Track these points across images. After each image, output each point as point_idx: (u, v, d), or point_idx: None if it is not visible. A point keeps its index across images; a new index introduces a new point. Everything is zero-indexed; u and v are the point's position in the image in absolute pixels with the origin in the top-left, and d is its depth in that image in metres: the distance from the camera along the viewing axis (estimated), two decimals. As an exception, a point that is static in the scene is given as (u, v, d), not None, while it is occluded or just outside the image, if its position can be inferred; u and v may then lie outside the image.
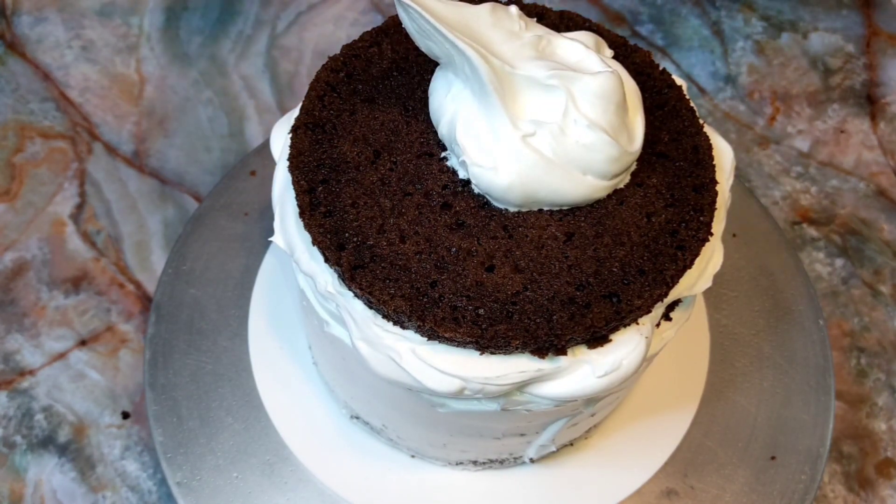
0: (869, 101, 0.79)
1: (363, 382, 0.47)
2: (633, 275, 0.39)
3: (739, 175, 0.73)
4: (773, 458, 0.54)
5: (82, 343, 0.63)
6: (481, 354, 0.39)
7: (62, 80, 0.76)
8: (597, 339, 0.40)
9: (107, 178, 0.71)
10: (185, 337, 0.58)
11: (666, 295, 0.40)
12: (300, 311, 0.55)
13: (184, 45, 0.79)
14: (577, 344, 0.40)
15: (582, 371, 0.40)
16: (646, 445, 0.54)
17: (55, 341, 0.63)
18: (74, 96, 0.75)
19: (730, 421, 0.55)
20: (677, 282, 0.41)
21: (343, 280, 0.40)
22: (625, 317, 0.39)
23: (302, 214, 0.41)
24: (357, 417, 0.53)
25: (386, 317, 0.40)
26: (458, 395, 0.39)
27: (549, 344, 0.38)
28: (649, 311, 0.41)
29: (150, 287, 0.65)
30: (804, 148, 0.76)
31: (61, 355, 0.62)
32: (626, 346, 0.40)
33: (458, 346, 0.39)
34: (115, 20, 0.79)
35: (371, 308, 0.40)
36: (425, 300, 0.38)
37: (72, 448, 0.59)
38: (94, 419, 0.60)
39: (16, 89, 0.75)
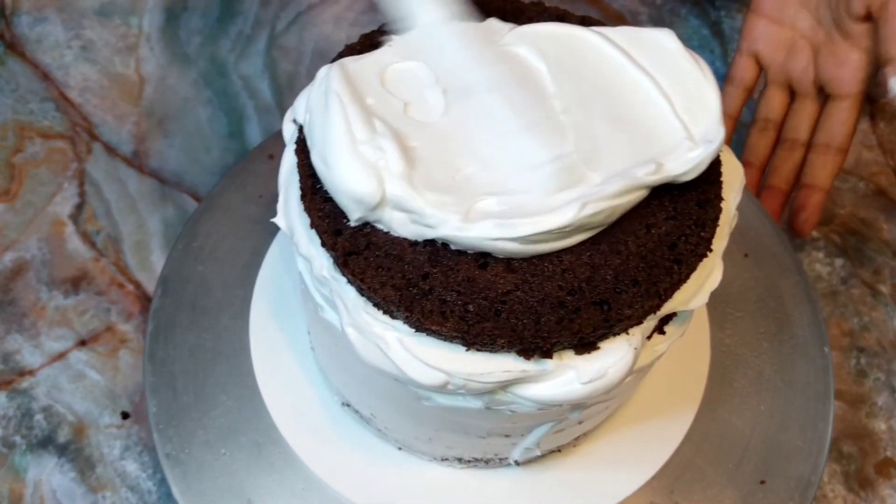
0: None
1: (353, 369, 0.47)
2: (626, 284, 0.39)
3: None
4: (762, 482, 0.54)
5: (82, 343, 0.63)
6: (467, 350, 0.39)
7: (62, 80, 0.76)
8: (584, 345, 0.40)
9: (106, 179, 0.71)
10: (188, 313, 0.58)
11: (658, 307, 0.40)
12: (299, 296, 0.56)
13: (183, 45, 0.79)
14: (564, 348, 0.39)
15: (567, 376, 0.39)
16: (634, 458, 0.53)
17: (55, 341, 0.63)
18: (74, 96, 0.75)
19: (722, 441, 0.55)
20: (671, 296, 0.40)
21: (337, 265, 0.40)
22: (613, 325, 0.39)
23: (304, 197, 0.42)
24: (348, 405, 0.53)
25: (376, 305, 0.40)
26: (442, 388, 0.39)
27: (534, 345, 0.38)
28: (640, 323, 0.40)
29: (150, 287, 0.65)
30: (804, 147, 0.75)
31: (61, 355, 0.62)
32: (613, 355, 0.40)
33: (444, 339, 0.39)
34: (114, 20, 0.79)
35: (362, 295, 0.40)
36: (415, 291, 0.38)
37: (71, 448, 0.59)
38: (94, 419, 0.60)
39: (15, 89, 0.75)
